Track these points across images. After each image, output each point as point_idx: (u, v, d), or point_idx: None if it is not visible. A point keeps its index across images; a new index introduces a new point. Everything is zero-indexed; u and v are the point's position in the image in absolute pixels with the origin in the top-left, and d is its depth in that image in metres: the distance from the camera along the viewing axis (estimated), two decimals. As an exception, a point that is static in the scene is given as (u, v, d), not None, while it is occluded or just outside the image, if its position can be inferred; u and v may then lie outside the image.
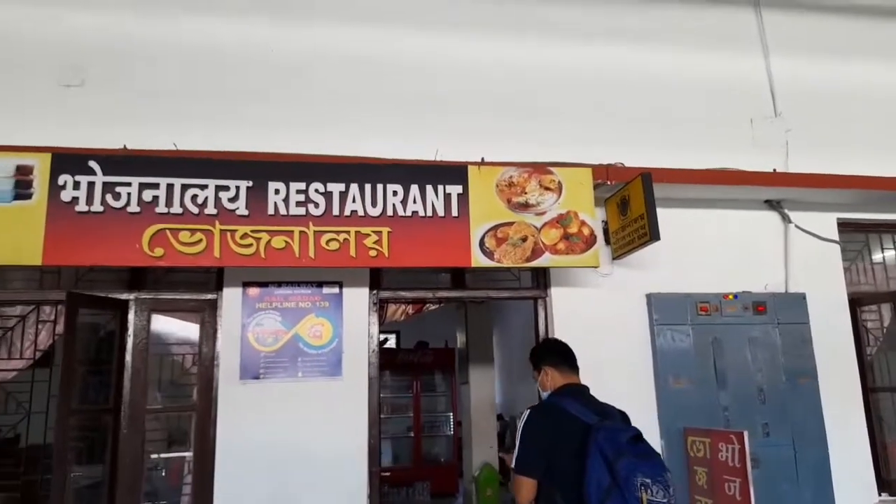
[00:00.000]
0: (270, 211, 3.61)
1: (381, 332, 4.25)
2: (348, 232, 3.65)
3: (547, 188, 3.94)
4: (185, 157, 3.68)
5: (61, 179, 3.44)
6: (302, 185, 3.67)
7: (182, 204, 3.53)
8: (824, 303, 4.55)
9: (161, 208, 3.50)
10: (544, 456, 2.23)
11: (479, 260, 3.76)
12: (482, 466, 7.44)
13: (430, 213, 3.76)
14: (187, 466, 3.99)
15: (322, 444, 3.84)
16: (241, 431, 3.80)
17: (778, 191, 4.56)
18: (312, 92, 4.27)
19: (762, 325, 4.44)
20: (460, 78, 4.47)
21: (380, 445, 4.09)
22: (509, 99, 4.49)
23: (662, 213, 3.93)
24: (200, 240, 3.51)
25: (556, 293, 4.34)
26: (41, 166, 3.44)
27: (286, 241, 3.59)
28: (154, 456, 4.13)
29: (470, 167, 3.90)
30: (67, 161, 3.48)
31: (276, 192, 3.64)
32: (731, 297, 4.46)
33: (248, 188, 3.61)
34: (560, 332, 4.19)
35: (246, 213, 3.58)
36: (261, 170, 3.67)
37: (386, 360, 8.46)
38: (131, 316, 3.90)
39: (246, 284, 3.96)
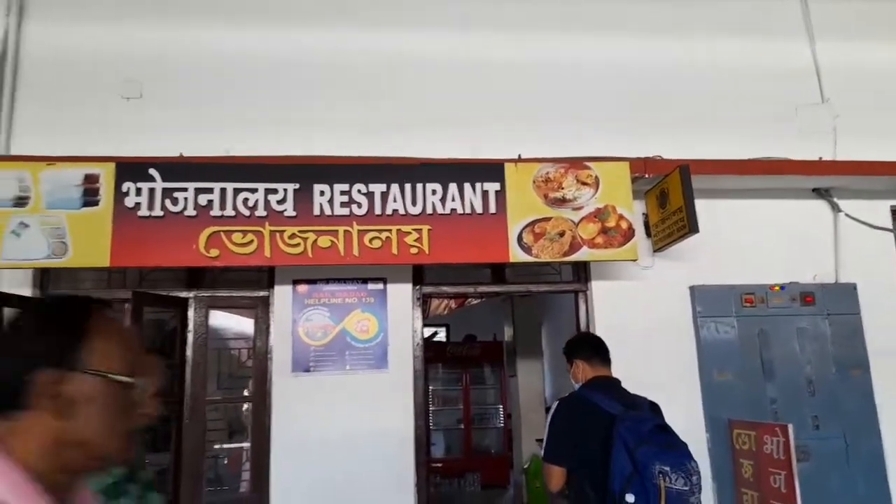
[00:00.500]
0: (316, 212, 3.78)
1: (429, 325, 4.38)
2: (390, 230, 3.79)
3: (584, 183, 3.98)
4: (236, 163, 3.88)
5: (125, 186, 3.70)
6: (345, 187, 3.83)
7: (234, 207, 3.73)
8: (877, 293, 4.42)
9: (215, 211, 3.71)
10: (572, 445, 2.32)
11: (517, 255, 3.84)
12: (531, 458, 7.52)
13: (468, 211, 3.86)
14: (245, 455, 4.22)
15: (370, 434, 3.99)
16: (293, 422, 4.00)
17: (826, 179, 4.46)
18: (353, 96, 4.41)
19: (811, 317, 4.36)
20: (496, 76, 4.53)
21: (428, 436, 4.22)
22: (545, 95, 4.53)
23: (705, 204, 3.91)
24: (252, 240, 3.71)
25: (596, 286, 4.37)
26: (106, 175, 3.71)
27: (332, 241, 3.75)
28: (216, 446, 4.38)
29: (507, 164, 3.97)
30: (130, 169, 3.74)
31: (322, 193, 3.81)
32: (777, 288, 4.39)
33: (295, 190, 3.79)
34: (601, 325, 4.24)
35: (293, 214, 3.77)
36: (307, 173, 3.84)
37: (435, 354, 8.60)
38: (191, 313, 4.14)
39: (295, 282, 4.16)
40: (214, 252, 3.67)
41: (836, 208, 4.59)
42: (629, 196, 4.00)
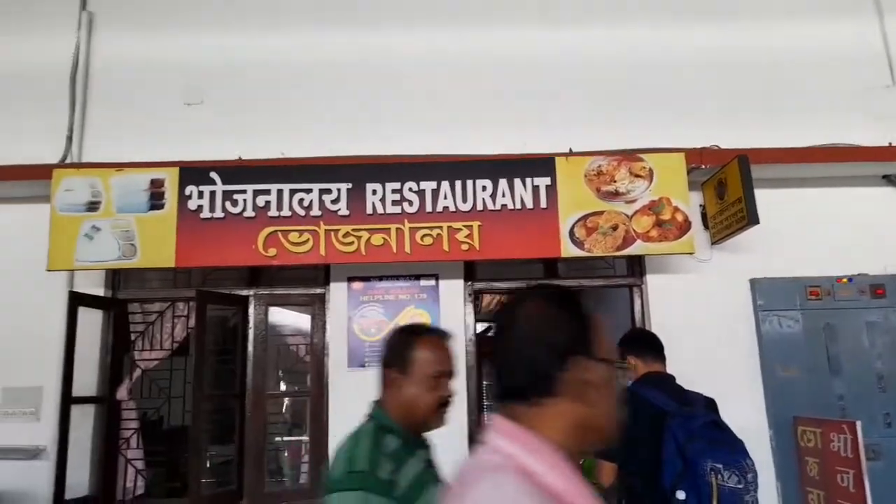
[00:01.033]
0: (369, 210, 3.86)
1: (481, 321, 4.39)
2: (441, 227, 3.83)
3: (637, 175, 3.91)
4: (291, 165, 4.00)
5: (188, 190, 3.87)
6: (397, 185, 3.89)
7: (291, 207, 3.85)
8: (955, 284, 4.18)
9: (273, 212, 3.84)
10: (623, 441, 2.29)
11: (568, 250, 3.81)
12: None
13: (518, 206, 3.85)
14: (304, 447, 4.35)
15: (424, 428, 4.04)
16: (349, 416, 4.01)
17: (897, 165, 4.25)
18: (403, 95, 4.46)
19: (881, 309, 4.16)
20: (545, 70, 4.49)
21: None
22: (595, 87, 4.45)
23: (766, 194, 3.79)
24: (308, 240, 3.82)
25: (651, 280, 4.29)
26: (171, 179, 3.89)
27: (384, 238, 3.82)
28: (277, 439, 4.53)
29: (557, 158, 3.94)
30: (192, 173, 3.90)
31: (374, 192, 3.88)
32: (844, 280, 4.21)
33: (348, 190, 3.88)
34: (657, 320, 4.16)
35: (347, 213, 3.85)
36: (359, 172, 3.92)
37: (488, 349, 8.62)
38: (251, 310, 4.29)
39: (350, 279, 4.25)
40: (272, 251, 3.80)
41: (908, 196, 4.36)
42: (685, 188, 3.91)
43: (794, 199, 4.36)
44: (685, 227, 3.85)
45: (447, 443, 3.96)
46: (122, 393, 4.28)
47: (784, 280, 4.22)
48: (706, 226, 4.26)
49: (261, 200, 3.86)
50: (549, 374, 0.95)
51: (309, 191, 3.88)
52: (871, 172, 4.35)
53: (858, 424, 3.42)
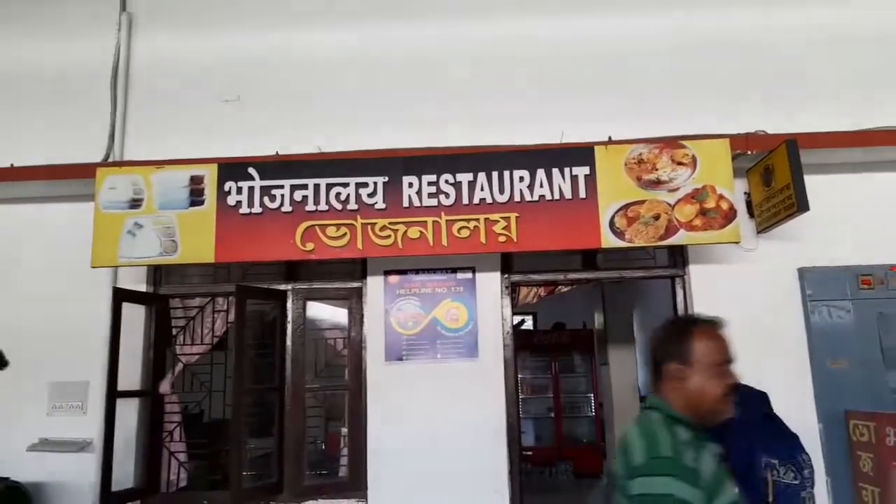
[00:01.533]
0: (405, 203, 3.84)
1: (517, 314, 4.34)
2: (478, 219, 3.79)
3: (680, 163, 3.80)
4: (328, 159, 4.01)
5: (227, 186, 3.90)
6: (433, 178, 3.86)
7: (328, 201, 3.86)
8: None
9: (310, 206, 3.85)
10: None
11: (609, 240, 3.73)
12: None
13: (556, 197, 3.79)
14: (343, 440, 4.36)
15: (462, 422, 4.02)
16: (387, 409, 4.09)
17: (956, 148, 4.04)
18: (438, 85, 4.44)
19: (938, 298, 3.98)
20: (582, 59, 4.41)
21: (519, 425, 4.20)
22: (634, 75, 4.36)
23: (814, 181, 3.65)
24: (345, 233, 3.82)
25: (694, 271, 4.19)
26: (210, 176, 3.93)
27: (421, 231, 3.80)
28: (315, 430, 4.56)
29: (596, 147, 3.86)
30: (231, 169, 3.94)
31: (410, 185, 3.86)
32: (899, 268, 4.04)
33: (384, 183, 3.87)
34: (700, 312, 4.04)
35: (383, 206, 3.84)
36: (395, 165, 3.90)
37: (523, 342, 8.57)
38: (289, 304, 4.32)
39: (387, 272, 4.24)
40: (310, 245, 3.81)
41: (967, 179, 4.15)
42: (729, 175, 3.79)
43: (842, 184, 4.20)
44: (730, 215, 3.73)
45: (484, 434, 3.95)
46: (164, 387, 4.36)
47: (834, 269, 4.07)
48: (751, 214, 4.13)
49: (298, 195, 3.87)
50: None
51: (346, 185, 3.87)
52: (926, 156, 4.15)
53: (917, 418, 3.29)
